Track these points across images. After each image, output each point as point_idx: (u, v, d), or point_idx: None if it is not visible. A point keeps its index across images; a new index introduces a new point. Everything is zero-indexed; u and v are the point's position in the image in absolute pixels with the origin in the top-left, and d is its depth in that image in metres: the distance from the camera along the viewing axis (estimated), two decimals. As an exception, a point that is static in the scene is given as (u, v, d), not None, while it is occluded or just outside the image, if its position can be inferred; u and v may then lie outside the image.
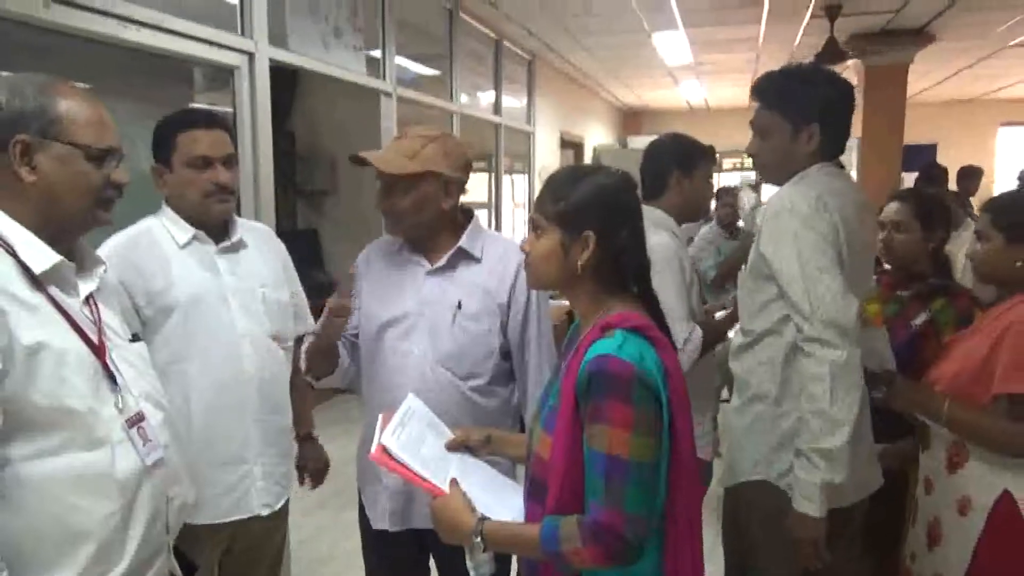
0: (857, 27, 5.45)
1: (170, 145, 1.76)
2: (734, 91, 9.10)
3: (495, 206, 5.96)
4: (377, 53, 3.71)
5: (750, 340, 1.74)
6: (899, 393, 1.83)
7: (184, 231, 1.81)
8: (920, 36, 5.55)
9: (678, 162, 2.27)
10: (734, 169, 11.76)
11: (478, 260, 1.75)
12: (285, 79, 4.41)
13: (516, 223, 6.89)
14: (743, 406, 1.75)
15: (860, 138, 6.34)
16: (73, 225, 1.25)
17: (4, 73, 1.30)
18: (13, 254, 1.17)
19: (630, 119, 11.33)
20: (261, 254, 1.95)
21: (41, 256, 1.19)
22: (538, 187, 7.00)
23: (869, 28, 5.40)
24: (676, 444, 1.24)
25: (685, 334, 2.02)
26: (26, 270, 1.18)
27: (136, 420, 1.27)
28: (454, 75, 4.68)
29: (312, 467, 2.14)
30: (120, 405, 1.25)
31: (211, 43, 2.43)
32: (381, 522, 1.77)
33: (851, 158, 6.90)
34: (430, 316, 1.72)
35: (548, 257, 1.32)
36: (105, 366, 1.25)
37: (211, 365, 1.78)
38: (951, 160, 5.39)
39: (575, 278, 1.31)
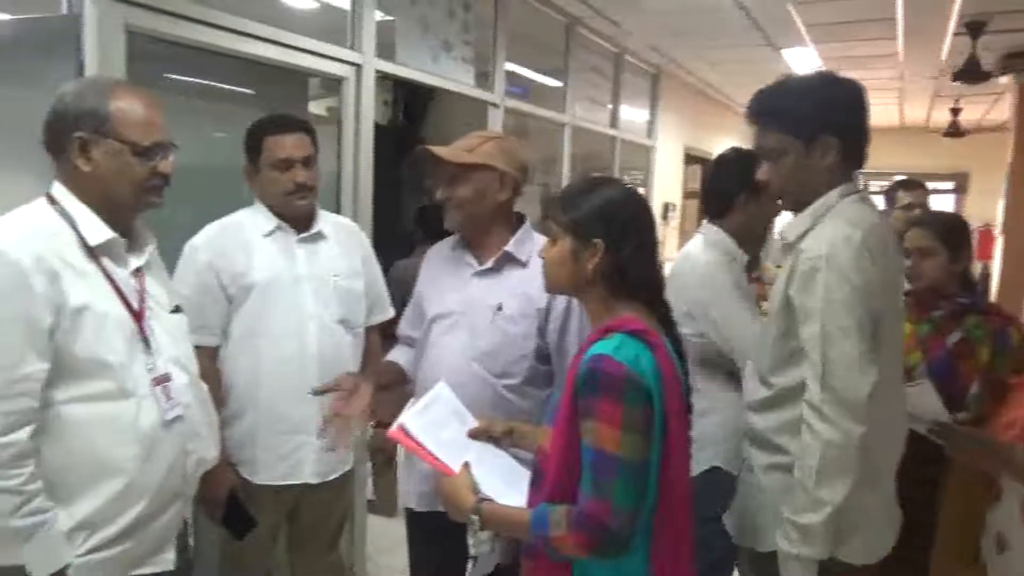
0: (1012, 45, 5.06)
1: (258, 148, 2.00)
2: (876, 110, 8.59)
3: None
4: (487, 65, 3.88)
5: (773, 395, 1.62)
6: (960, 445, 1.74)
7: (269, 221, 2.04)
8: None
9: (748, 182, 2.17)
10: (880, 192, 11.04)
11: (524, 264, 1.85)
12: (423, 91, 4.70)
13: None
14: (769, 468, 1.64)
15: (1011, 164, 5.84)
16: (124, 208, 1.47)
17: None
18: (74, 228, 1.41)
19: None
20: (340, 246, 2.15)
21: (97, 231, 1.42)
22: (657, 201, 6.96)
23: (1008, 47, 4.99)
24: (668, 448, 1.29)
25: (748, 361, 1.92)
26: (83, 242, 1.40)
27: (162, 380, 1.48)
28: (569, 87, 4.78)
29: (380, 456, 2.31)
30: (150, 365, 1.46)
31: (322, 55, 2.68)
32: (411, 501, 1.91)
33: (1000, 186, 6.34)
34: (471, 315, 1.84)
35: (560, 263, 1.41)
36: (141, 330, 1.46)
37: (278, 341, 2.00)
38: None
39: (586, 283, 1.40)
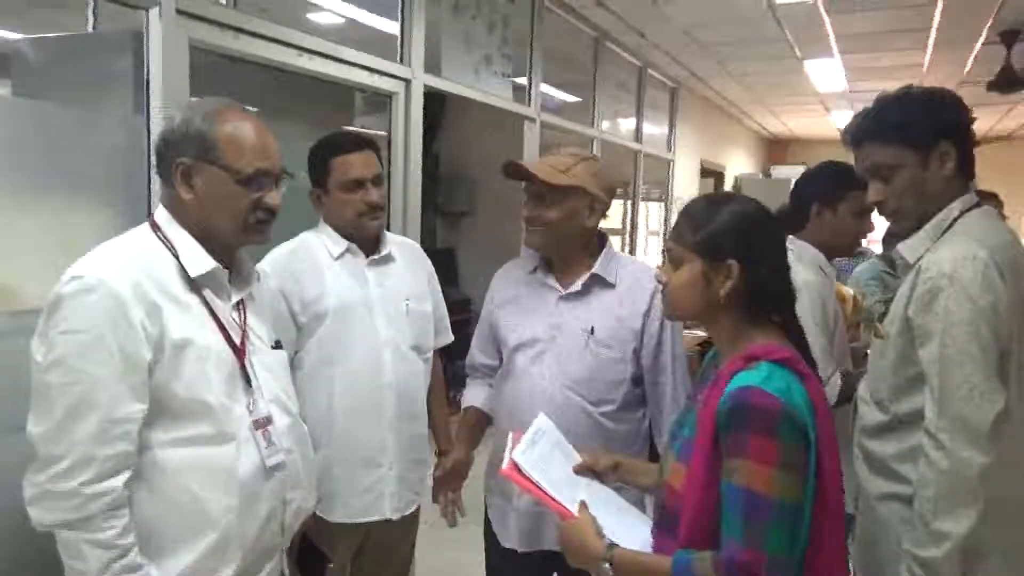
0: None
1: (325, 169, 1.90)
2: (892, 121, 8.59)
3: (630, 233, 5.91)
4: (523, 80, 3.81)
5: (890, 421, 1.53)
6: None
7: (338, 244, 1.94)
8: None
9: (820, 192, 2.14)
10: (888, 203, 11.06)
11: (612, 286, 1.75)
12: (434, 103, 4.61)
13: (650, 250, 6.81)
14: (886, 498, 1.54)
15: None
16: (224, 242, 1.37)
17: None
18: (176, 257, 1.31)
19: (775, 148, 10.94)
20: (408, 268, 2.06)
21: (199, 261, 1.32)
22: (675, 215, 6.88)
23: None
24: (823, 487, 1.18)
25: (824, 376, 1.89)
26: (185, 272, 1.31)
27: (263, 423, 1.37)
28: (597, 102, 4.72)
29: (445, 482, 2.19)
30: (251, 406, 1.35)
31: (374, 71, 2.60)
32: (510, 541, 1.80)
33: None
34: (561, 341, 1.73)
35: (689, 287, 1.29)
36: (243, 367, 1.36)
37: (353, 370, 1.90)
38: None
39: (717, 308, 1.28)
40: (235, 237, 1.37)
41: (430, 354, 2.09)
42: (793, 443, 1.14)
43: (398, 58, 2.77)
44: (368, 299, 1.94)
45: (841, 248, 2.25)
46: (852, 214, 2.15)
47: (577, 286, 1.76)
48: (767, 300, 1.29)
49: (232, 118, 1.35)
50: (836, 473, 1.21)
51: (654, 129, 6.17)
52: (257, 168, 1.34)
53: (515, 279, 1.88)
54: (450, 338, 2.22)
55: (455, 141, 5.67)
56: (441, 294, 2.20)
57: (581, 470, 1.49)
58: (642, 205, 6.16)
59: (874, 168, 1.55)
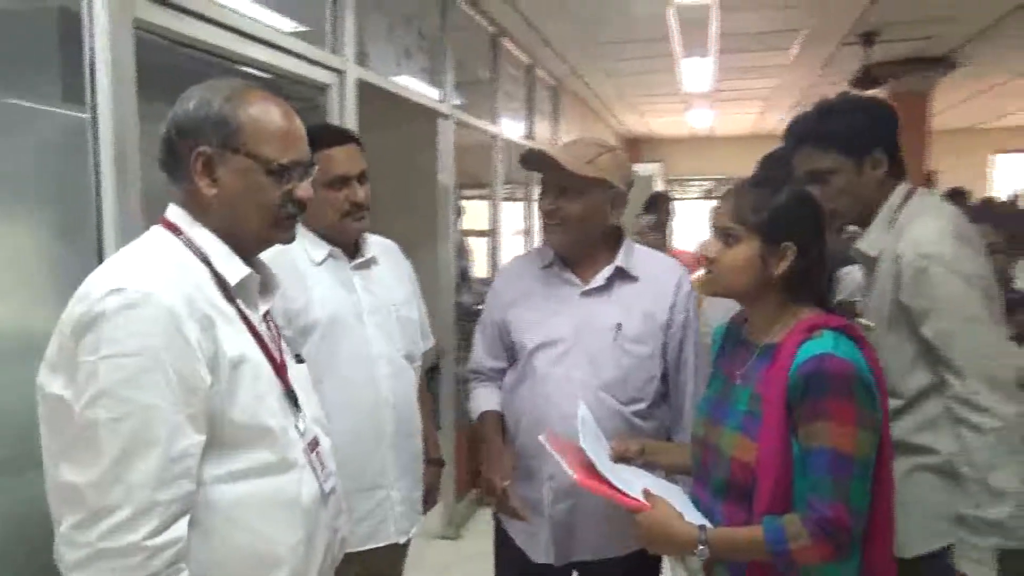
0: (885, 54, 5.54)
1: None
2: (742, 118, 9.21)
3: (526, 232, 5.90)
4: (434, 76, 3.67)
5: (904, 402, 1.59)
6: None
7: (320, 248, 1.75)
8: (943, 64, 5.65)
9: None
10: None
11: (635, 279, 1.70)
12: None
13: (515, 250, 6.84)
14: (913, 471, 1.58)
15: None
16: (251, 241, 1.19)
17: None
18: (208, 263, 1.11)
19: (632, 146, 11.39)
20: (392, 271, 1.90)
21: (234, 267, 1.14)
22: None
23: (896, 56, 5.49)
24: (883, 447, 1.27)
25: None
26: (219, 281, 1.12)
27: (314, 445, 1.21)
28: (497, 101, 4.66)
29: (431, 495, 2.06)
30: (301, 428, 1.18)
31: (307, 59, 2.38)
32: (543, 556, 1.69)
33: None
34: (588, 340, 1.65)
35: (744, 267, 1.32)
36: (286, 385, 1.19)
37: (349, 387, 1.71)
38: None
39: (767, 288, 1.33)
40: (264, 236, 1.19)
41: (420, 362, 1.94)
42: (866, 403, 1.22)
43: (328, 46, 2.55)
44: (358, 307, 1.77)
45: None
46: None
47: (600, 280, 1.68)
48: (813, 282, 1.35)
49: (257, 100, 1.16)
50: (887, 430, 1.31)
51: (540, 128, 6.19)
52: (292, 159, 1.17)
53: (527, 276, 1.77)
54: (432, 341, 2.08)
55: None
56: (421, 297, 2.05)
57: (615, 458, 1.50)
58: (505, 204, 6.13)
59: (811, 173, 1.65)
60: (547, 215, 1.66)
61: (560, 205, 1.64)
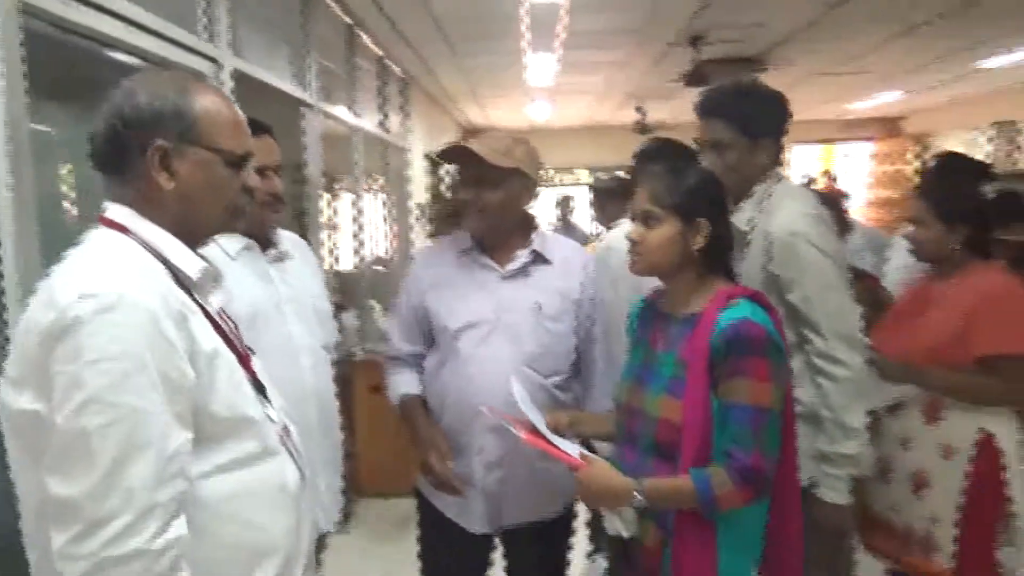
0: (712, 54, 6.06)
1: None
2: (578, 111, 9.67)
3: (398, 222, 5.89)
4: (297, 66, 3.60)
5: None
6: (887, 370, 2.12)
7: (235, 241, 1.74)
8: (756, 64, 6.30)
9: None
10: (571, 185, 12.44)
11: (548, 262, 1.83)
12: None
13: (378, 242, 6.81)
14: None
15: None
16: (206, 233, 1.20)
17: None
18: (164, 260, 1.11)
19: (471, 137, 11.58)
20: (305, 264, 1.91)
21: (192, 262, 1.14)
22: (413, 203, 6.99)
23: (711, 56, 6.04)
24: (787, 399, 1.44)
25: None
26: (176, 277, 1.12)
27: (287, 431, 1.25)
28: (356, 93, 4.62)
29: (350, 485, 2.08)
30: (273, 416, 1.22)
31: (188, 48, 2.29)
32: (477, 525, 1.79)
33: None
34: (509, 319, 1.77)
35: (667, 245, 1.46)
36: (253, 375, 1.21)
37: (274, 379, 1.70)
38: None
39: (686, 262, 1.47)
40: (219, 227, 1.20)
41: (334, 353, 1.96)
42: (777, 361, 1.38)
43: (202, 33, 2.46)
44: (278, 300, 1.77)
45: None
46: None
47: (519, 264, 1.80)
48: (723, 252, 1.51)
49: (207, 92, 1.16)
50: (791, 387, 1.49)
51: (393, 120, 6.19)
52: (246, 150, 1.18)
53: (445, 262, 1.85)
54: (339, 334, 2.10)
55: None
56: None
57: (550, 429, 1.59)
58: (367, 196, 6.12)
59: (714, 142, 1.86)
60: (469, 204, 1.75)
61: (480, 195, 1.73)
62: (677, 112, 9.29)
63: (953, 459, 2.06)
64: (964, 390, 2.04)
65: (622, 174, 3.69)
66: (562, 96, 8.24)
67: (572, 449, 1.51)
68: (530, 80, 7.03)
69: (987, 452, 2.02)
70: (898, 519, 2.19)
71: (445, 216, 5.10)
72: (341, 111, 4.34)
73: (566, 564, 1.95)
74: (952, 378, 2.05)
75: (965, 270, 2.13)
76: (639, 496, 1.37)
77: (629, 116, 9.21)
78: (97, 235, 1.10)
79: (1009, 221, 4.12)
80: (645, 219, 1.48)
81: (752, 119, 1.84)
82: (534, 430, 1.52)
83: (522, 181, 1.76)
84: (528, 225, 1.85)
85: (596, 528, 2.86)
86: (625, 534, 1.43)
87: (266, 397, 1.21)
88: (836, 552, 1.97)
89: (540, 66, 6.32)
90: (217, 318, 1.18)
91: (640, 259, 1.50)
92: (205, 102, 1.13)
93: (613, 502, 1.41)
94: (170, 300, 1.03)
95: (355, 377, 3.79)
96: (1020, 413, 2.06)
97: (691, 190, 1.46)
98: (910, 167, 10.05)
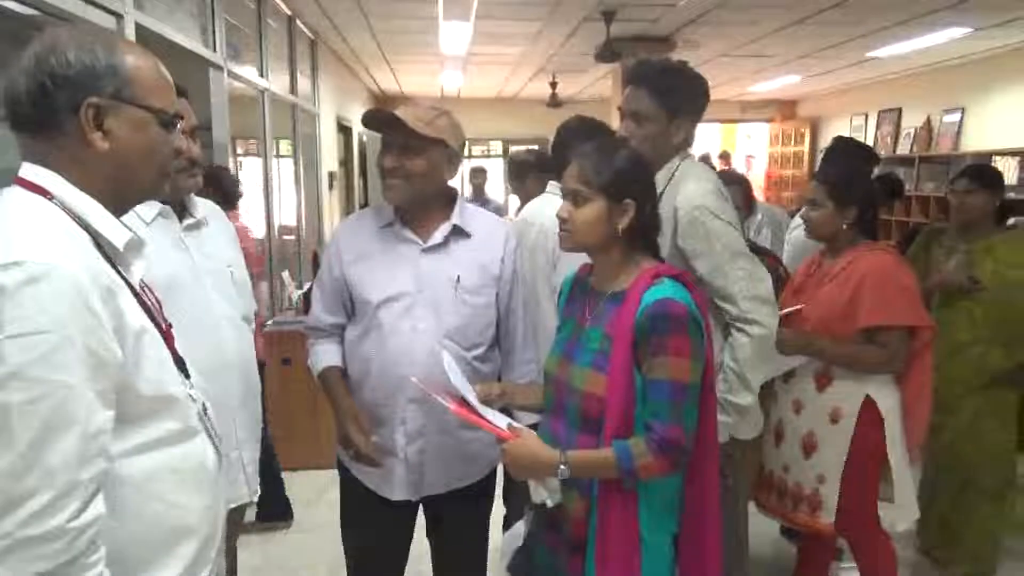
0: (623, 31, 6.17)
1: None
2: (491, 82, 9.63)
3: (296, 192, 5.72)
4: (203, 23, 3.44)
5: None
6: (786, 340, 2.28)
7: (150, 207, 1.69)
8: (665, 43, 6.46)
9: (580, 142, 2.46)
10: (483, 156, 12.43)
11: (469, 236, 1.85)
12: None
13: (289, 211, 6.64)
14: None
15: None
16: (136, 199, 1.17)
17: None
18: (87, 229, 1.06)
19: (382, 104, 11.35)
20: (222, 232, 1.88)
21: (118, 231, 1.09)
22: (324, 171, 6.82)
23: (623, 33, 6.15)
24: (706, 373, 1.50)
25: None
26: (100, 247, 1.07)
27: (205, 410, 1.23)
28: (264, 53, 4.45)
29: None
30: (194, 394, 1.20)
31: (89, 2, 2.15)
32: (399, 494, 1.82)
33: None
34: (430, 293, 1.79)
35: (594, 223, 1.50)
36: (175, 353, 1.19)
37: (194, 351, 1.66)
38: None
39: (613, 240, 1.51)
40: (151, 191, 1.16)
41: (253, 323, 1.93)
42: (697, 339, 1.44)
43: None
44: (195, 269, 1.72)
45: None
46: None
47: (438, 238, 1.81)
48: (649, 232, 1.56)
49: (135, 49, 1.12)
50: (712, 361, 1.55)
51: (301, 82, 6.00)
52: (175, 108, 1.14)
53: (366, 234, 1.84)
54: (256, 304, 2.06)
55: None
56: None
57: (480, 400, 1.62)
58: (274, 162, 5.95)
59: (635, 111, 1.94)
60: (390, 172, 1.74)
61: (403, 162, 1.73)
62: (589, 87, 9.45)
63: (840, 423, 2.25)
64: (850, 358, 2.23)
65: (537, 148, 3.73)
66: (475, 66, 8.18)
67: (501, 421, 1.54)
68: (444, 48, 6.95)
69: (869, 415, 2.22)
70: (789, 479, 2.37)
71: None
72: (249, 71, 4.17)
73: (487, 528, 2.01)
74: (840, 348, 2.23)
75: (855, 249, 2.31)
76: (564, 467, 1.42)
77: (541, 90, 9.25)
78: (14, 197, 1.03)
79: (888, 201, 4.45)
80: (574, 198, 1.51)
81: (675, 96, 1.91)
82: (463, 401, 1.55)
83: (445, 152, 1.77)
84: (449, 198, 1.86)
85: (509, 493, 2.94)
86: (550, 503, 1.49)
87: (187, 375, 1.18)
88: (731, 513, 2.11)
89: (454, 34, 6.26)
90: (141, 292, 1.14)
91: (568, 236, 1.53)
92: (135, 59, 1.07)
93: (539, 472, 1.46)
94: (98, 273, 0.99)
95: (266, 349, 3.70)
96: (898, 379, 2.27)
97: (620, 172, 1.49)
98: (805, 148, 10.57)
